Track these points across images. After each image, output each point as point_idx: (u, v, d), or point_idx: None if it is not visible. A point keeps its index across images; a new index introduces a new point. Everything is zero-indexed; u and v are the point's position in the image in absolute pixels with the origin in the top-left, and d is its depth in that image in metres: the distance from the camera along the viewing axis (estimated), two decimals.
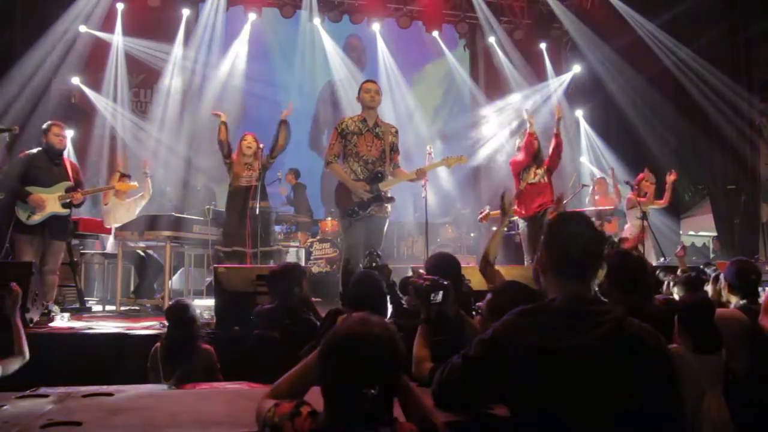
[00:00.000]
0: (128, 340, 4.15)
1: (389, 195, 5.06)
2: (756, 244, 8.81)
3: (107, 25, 9.02)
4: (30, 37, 7.83)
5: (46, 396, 2.01)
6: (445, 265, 2.81)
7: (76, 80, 8.87)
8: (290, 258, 7.64)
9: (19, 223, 5.03)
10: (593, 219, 7.30)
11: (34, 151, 5.27)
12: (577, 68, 10.66)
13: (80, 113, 9.03)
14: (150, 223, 5.76)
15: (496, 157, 10.30)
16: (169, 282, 5.94)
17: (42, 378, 2.55)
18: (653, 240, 7.05)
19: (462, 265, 3.05)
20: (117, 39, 9.12)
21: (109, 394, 2.09)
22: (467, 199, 10.21)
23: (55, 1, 8.56)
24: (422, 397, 1.60)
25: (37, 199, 5.02)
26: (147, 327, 4.54)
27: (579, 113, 10.84)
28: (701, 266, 4.67)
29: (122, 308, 5.86)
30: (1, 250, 5.12)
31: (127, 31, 9.19)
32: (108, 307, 6.20)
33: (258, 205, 5.67)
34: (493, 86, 10.81)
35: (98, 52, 9.03)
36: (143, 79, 9.58)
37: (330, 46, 10.24)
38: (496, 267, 3.44)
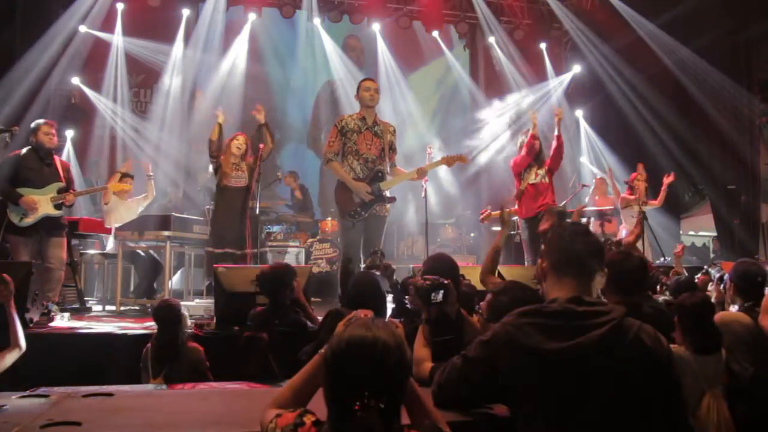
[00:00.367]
0: (128, 340, 4.15)
1: (390, 195, 5.07)
2: (756, 244, 8.80)
3: (107, 25, 9.01)
4: (30, 36, 7.83)
5: (46, 396, 2.01)
6: (442, 266, 2.81)
7: (76, 80, 8.87)
8: (290, 258, 7.64)
9: (11, 225, 5.00)
10: (593, 219, 7.36)
11: (24, 151, 5.19)
12: (577, 68, 10.66)
13: (80, 113, 9.03)
14: (150, 223, 5.76)
15: (496, 158, 10.30)
16: (169, 282, 5.94)
17: (42, 378, 2.55)
18: (652, 239, 7.05)
19: (462, 265, 3.05)
20: (117, 39, 9.11)
21: (109, 394, 2.09)
22: (468, 199, 10.22)
23: (55, 1, 8.57)
24: (430, 403, 1.59)
25: (29, 201, 4.98)
26: (147, 327, 4.53)
27: (579, 113, 10.83)
28: (705, 266, 4.65)
29: (122, 308, 5.86)
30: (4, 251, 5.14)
31: (127, 31, 9.18)
32: (108, 307, 6.20)
33: (258, 206, 5.66)
34: (493, 86, 10.80)
35: (98, 52, 9.03)
36: (143, 79, 9.58)
37: (330, 46, 10.23)
38: (485, 259, 3.46)
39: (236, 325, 3.79)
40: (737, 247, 8.68)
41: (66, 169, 5.41)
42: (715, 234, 10.24)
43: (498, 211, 7.27)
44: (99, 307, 6.29)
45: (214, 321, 4.30)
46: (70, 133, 8.75)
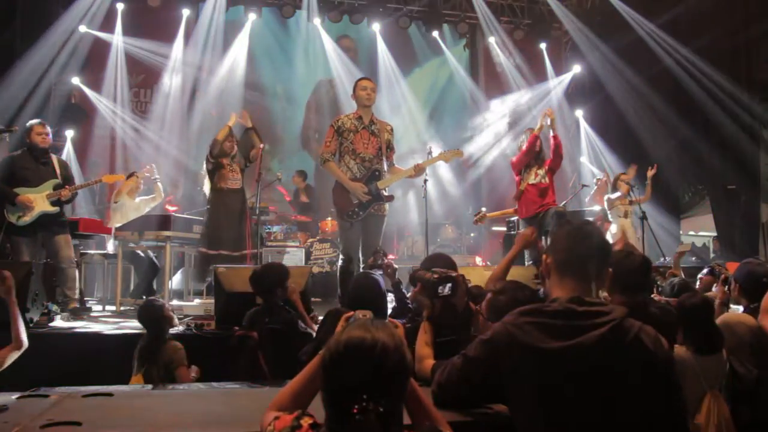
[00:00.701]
0: (128, 340, 4.15)
1: (388, 194, 5.05)
2: (756, 244, 8.79)
3: (107, 25, 9.03)
4: (30, 36, 7.82)
5: (46, 396, 2.01)
6: (442, 266, 2.81)
7: (76, 80, 8.88)
8: (290, 258, 7.64)
9: (11, 225, 5.03)
10: (593, 219, 7.37)
11: (18, 152, 5.24)
12: (577, 68, 10.66)
13: (80, 113, 9.04)
14: (150, 223, 5.76)
15: (497, 157, 10.30)
16: (169, 282, 5.94)
17: (42, 378, 2.55)
18: (652, 240, 7.06)
19: (462, 266, 3.06)
20: (117, 39, 9.12)
21: (109, 394, 2.09)
22: (470, 200, 10.24)
23: (55, 1, 8.57)
24: (431, 404, 1.58)
25: (24, 200, 5.01)
26: None
27: (579, 113, 10.84)
28: (709, 266, 4.62)
29: (122, 308, 5.86)
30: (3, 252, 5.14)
31: (127, 31, 9.19)
32: (108, 307, 6.20)
33: (258, 206, 5.66)
34: (493, 86, 10.81)
35: (98, 52, 9.04)
36: (143, 79, 9.59)
37: (329, 46, 10.23)
38: (497, 267, 3.46)
39: (236, 325, 3.80)
40: (737, 247, 8.67)
41: (64, 166, 5.42)
42: (715, 234, 10.23)
43: (494, 213, 7.32)
44: (99, 307, 6.29)
45: (214, 321, 4.32)
46: (70, 133, 8.76)
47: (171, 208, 7.81)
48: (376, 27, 10.20)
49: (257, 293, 3.71)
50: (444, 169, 9.80)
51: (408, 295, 3.69)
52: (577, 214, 7.68)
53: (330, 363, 1.32)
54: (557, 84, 10.73)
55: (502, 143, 10.29)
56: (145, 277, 6.37)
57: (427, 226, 6.23)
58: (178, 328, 4.29)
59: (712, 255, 10.62)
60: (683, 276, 4.59)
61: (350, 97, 5.24)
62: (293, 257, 7.67)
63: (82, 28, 8.68)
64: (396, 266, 4.30)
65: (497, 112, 10.66)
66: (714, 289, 3.81)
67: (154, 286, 6.42)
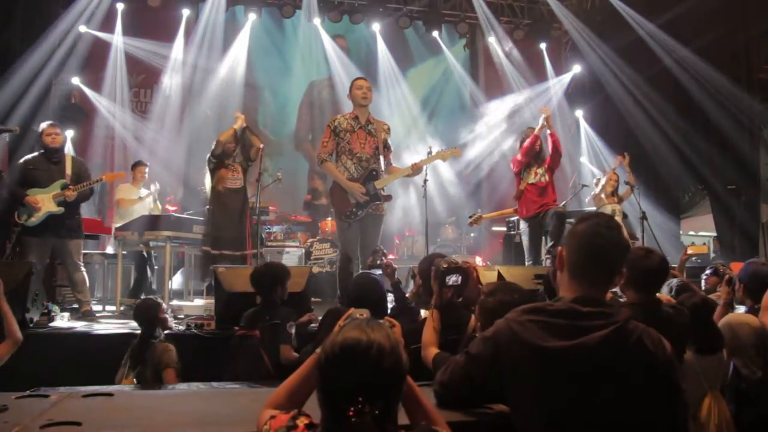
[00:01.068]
0: (128, 340, 4.15)
1: (386, 193, 5.05)
2: (756, 244, 8.80)
3: (107, 25, 9.02)
4: (30, 36, 7.81)
5: (46, 396, 2.01)
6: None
7: (76, 80, 8.88)
8: (289, 258, 7.64)
9: (22, 225, 5.07)
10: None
11: (34, 154, 5.32)
12: (577, 68, 10.66)
13: (80, 113, 9.03)
14: (150, 223, 5.75)
15: (497, 157, 10.30)
16: (169, 282, 5.94)
17: (42, 378, 2.55)
18: (652, 240, 7.05)
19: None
20: (117, 39, 9.11)
21: (109, 394, 2.09)
22: (470, 199, 10.24)
23: (55, 1, 8.57)
24: (428, 403, 1.57)
25: (31, 200, 5.04)
26: None
27: (579, 113, 10.83)
28: (712, 267, 4.61)
29: (122, 308, 5.85)
30: (3, 251, 5.14)
31: (127, 31, 9.19)
32: (108, 307, 6.20)
33: (258, 206, 5.65)
34: (493, 86, 10.81)
35: (98, 52, 9.03)
36: (143, 79, 9.58)
37: (328, 46, 10.22)
38: (497, 267, 3.46)
39: (236, 326, 3.81)
40: (737, 247, 8.67)
41: (78, 165, 5.42)
42: (715, 234, 10.23)
43: (490, 214, 7.31)
44: (99, 307, 6.29)
45: (214, 321, 4.32)
46: (70, 133, 8.74)
47: (171, 208, 7.82)
48: (375, 27, 10.20)
49: (257, 291, 3.71)
50: (444, 169, 9.80)
51: (407, 295, 3.69)
52: (576, 214, 7.66)
53: (326, 364, 1.32)
54: (557, 84, 10.72)
55: (502, 143, 10.29)
56: (146, 276, 6.38)
57: (427, 226, 6.23)
58: (178, 328, 4.30)
59: (712, 255, 10.61)
60: (685, 277, 4.57)
61: (347, 97, 5.25)
62: (293, 257, 7.67)
63: (82, 28, 8.68)
64: (395, 266, 4.30)
65: (497, 112, 10.65)
66: (718, 289, 3.80)
67: (154, 286, 6.42)
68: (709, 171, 9.21)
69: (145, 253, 6.39)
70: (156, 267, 6.75)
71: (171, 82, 9.31)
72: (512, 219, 7.45)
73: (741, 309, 3.21)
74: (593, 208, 7.99)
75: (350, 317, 1.57)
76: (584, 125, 10.80)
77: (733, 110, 8.65)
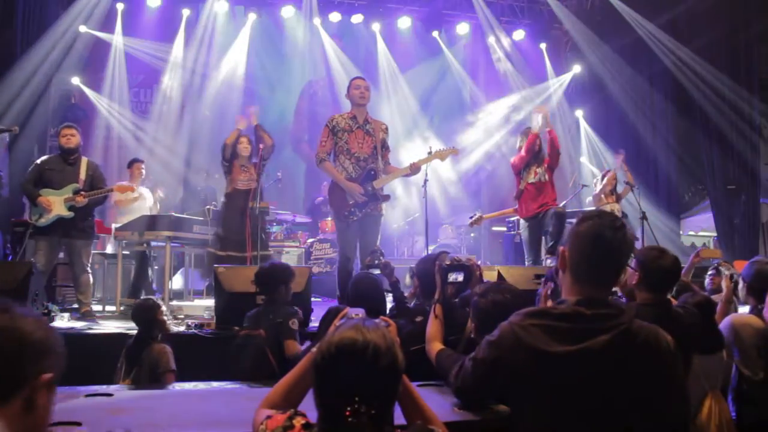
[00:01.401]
0: (128, 340, 4.15)
1: (384, 193, 5.04)
2: (756, 244, 8.80)
3: (107, 25, 9.01)
4: (30, 36, 7.81)
5: None
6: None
7: (76, 80, 8.87)
8: (290, 258, 7.63)
9: (34, 225, 5.09)
10: None
11: (51, 155, 5.38)
12: (577, 68, 10.65)
13: (80, 113, 9.03)
14: (150, 223, 5.75)
15: (497, 157, 10.30)
16: (169, 282, 5.93)
17: None
18: (652, 240, 7.05)
19: None
20: (117, 39, 9.11)
21: (109, 395, 2.09)
22: (470, 199, 10.23)
23: (55, 1, 8.56)
24: (423, 402, 1.57)
25: (43, 201, 5.05)
26: None
27: (579, 113, 10.83)
28: (715, 266, 4.60)
29: (122, 308, 5.85)
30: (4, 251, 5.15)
31: (127, 31, 9.19)
32: (108, 307, 6.19)
33: (258, 206, 5.65)
34: (493, 86, 10.80)
35: (98, 52, 9.03)
36: (143, 79, 9.58)
37: (328, 46, 10.21)
38: (497, 267, 3.46)
39: (236, 326, 3.80)
40: (737, 247, 8.67)
41: (93, 168, 5.41)
42: (715, 234, 10.23)
43: (490, 215, 7.30)
44: (99, 307, 6.28)
45: (214, 321, 4.31)
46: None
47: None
48: (375, 27, 10.20)
49: (261, 291, 3.70)
50: (445, 169, 9.79)
51: (407, 294, 3.68)
52: (576, 214, 7.64)
53: (322, 365, 1.32)
54: (557, 84, 10.72)
55: (501, 143, 10.29)
56: (146, 276, 6.38)
57: (427, 226, 6.22)
58: (178, 328, 4.29)
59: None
60: (690, 279, 4.54)
61: (345, 97, 5.24)
62: (292, 257, 7.67)
63: (82, 28, 8.67)
64: (394, 265, 4.30)
65: (497, 112, 10.65)
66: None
67: (154, 286, 6.42)
68: (709, 170, 9.22)
69: (147, 253, 6.39)
70: (156, 267, 6.76)
71: (171, 82, 9.30)
72: (512, 219, 7.45)
73: (745, 309, 3.19)
74: (593, 208, 7.99)
75: (346, 317, 1.57)
76: (584, 125, 10.79)
77: (733, 110, 8.66)
